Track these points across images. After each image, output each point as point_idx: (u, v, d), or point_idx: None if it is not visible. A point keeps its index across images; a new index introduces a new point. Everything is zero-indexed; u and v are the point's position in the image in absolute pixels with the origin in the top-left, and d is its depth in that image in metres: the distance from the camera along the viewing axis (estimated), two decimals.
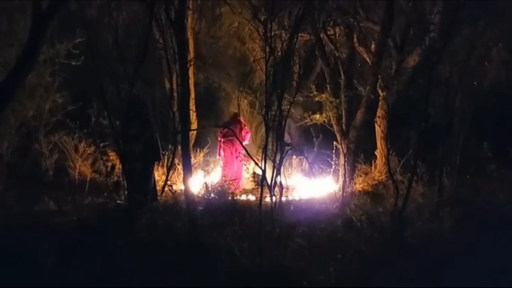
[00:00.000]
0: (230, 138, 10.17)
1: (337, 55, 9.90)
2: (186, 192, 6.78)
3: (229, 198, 8.50)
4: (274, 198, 6.51)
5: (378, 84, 9.75)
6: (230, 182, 9.39)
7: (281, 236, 6.26)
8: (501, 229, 6.63)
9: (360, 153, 10.56)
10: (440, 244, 6.29)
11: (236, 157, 10.29)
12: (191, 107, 7.83)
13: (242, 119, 10.73)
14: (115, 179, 6.15)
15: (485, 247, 6.15)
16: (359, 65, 10.91)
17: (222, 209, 7.77)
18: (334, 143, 10.04)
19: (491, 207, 7.92)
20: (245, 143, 9.99)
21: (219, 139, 10.48)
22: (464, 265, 5.71)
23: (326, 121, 10.40)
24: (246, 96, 11.85)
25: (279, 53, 6.94)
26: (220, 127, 9.85)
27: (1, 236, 6.45)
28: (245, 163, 10.17)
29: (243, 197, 9.57)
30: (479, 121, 9.61)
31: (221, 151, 10.52)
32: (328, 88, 9.93)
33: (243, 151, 9.96)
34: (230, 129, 9.61)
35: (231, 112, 11.54)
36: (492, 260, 5.81)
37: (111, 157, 6.83)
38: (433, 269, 5.64)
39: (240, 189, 10.07)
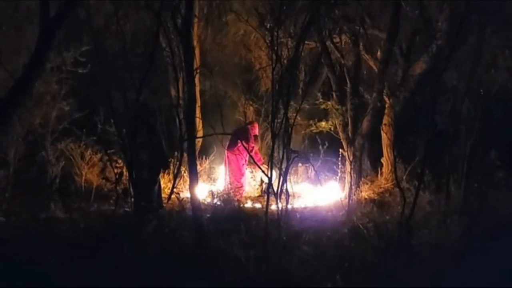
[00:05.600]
0: (237, 147, 10.13)
1: (343, 62, 9.90)
2: (193, 199, 6.78)
3: (235, 205, 8.49)
4: (280, 205, 6.51)
5: (384, 91, 9.75)
6: (236, 189, 9.39)
7: (287, 244, 6.24)
8: (509, 238, 6.57)
9: (367, 161, 10.53)
10: (447, 253, 6.24)
11: (243, 165, 10.28)
12: (197, 115, 7.85)
13: (255, 129, 10.62)
14: (122, 186, 6.16)
15: (493, 256, 6.10)
16: (365, 72, 10.91)
17: (228, 217, 7.75)
18: (340, 150, 10.03)
19: (498, 215, 7.86)
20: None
21: (226, 148, 10.43)
22: (472, 274, 5.65)
23: (332, 129, 10.40)
24: (252, 104, 11.87)
25: (285, 61, 6.95)
26: (226, 134, 9.83)
27: (8, 243, 6.46)
28: (251, 170, 10.18)
29: (249, 204, 9.56)
30: (486, 129, 9.55)
31: (227, 160, 10.48)
32: (334, 96, 9.93)
33: (250, 160, 10.00)
34: (238, 137, 9.62)
35: (236, 121, 11.53)
36: (500, 269, 5.76)
37: (118, 165, 6.84)
38: (441, 278, 5.60)
39: (246, 197, 10.07)
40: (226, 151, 10.38)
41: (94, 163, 9.56)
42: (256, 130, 10.63)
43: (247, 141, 9.94)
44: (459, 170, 8.69)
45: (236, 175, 10.24)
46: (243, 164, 10.29)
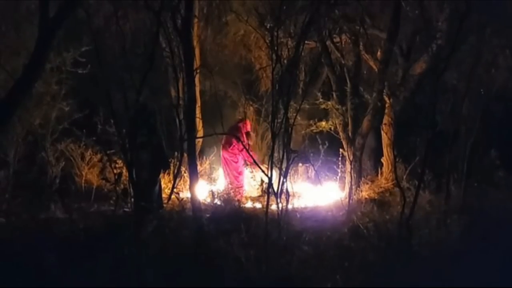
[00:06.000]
0: (232, 145, 10.15)
1: (343, 62, 9.90)
2: (193, 199, 6.78)
3: (235, 205, 8.49)
4: (280, 205, 6.50)
5: (384, 91, 9.75)
6: (236, 189, 9.38)
7: (288, 244, 6.23)
8: (509, 237, 6.58)
9: (367, 160, 10.52)
10: (447, 252, 6.24)
11: (241, 164, 10.28)
12: (197, 115, 7.86)
13: (246, 126, 10.63)
14: (122, 186, 6.15)
15: (493, 255, 6.10)
16: (365, 72, 10.91)
17: (229, 217, 7.76)
18: (341, 150, 10.02)
19: (499, 214, 7.87)
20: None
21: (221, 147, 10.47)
22: (472, 274, 5.66)
23: (332, 129, 10.40)
24: (252, 104, 11.87)
25: (285, 61, 6.94)
26: (226, 134, 9.84)
27: (8, 244, 6.47)
28: (251, 170, 10.17)
29: (249, 204, 9.56)
30: (486, 128, 9.56)
31: (223, 159, 10.51)
32: (334, 96, 9.93)
33: (246, 158, 10.00)
34: (233, 136, 9.62)
35: (236, 120, 11.53)
36: (500, 268, 5.77)
37: (118, 165, 6.84)
38: (441, 277, 5.60)
39: (246, 197, 10.06)
40: (222, 151, 10.38)
41: (94, 163, 9.56)
42: (248, 127, 10.62)
43: (239, 139, 9.94)
44: (459, 169, 8.70)
45: (234, 174, 10.23)
46: (241, 163, 10.28)
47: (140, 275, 5.30)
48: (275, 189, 6.55)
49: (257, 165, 7.48)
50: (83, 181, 9.44)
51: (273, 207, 6.96)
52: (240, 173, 10.30)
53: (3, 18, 9.05)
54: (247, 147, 9.68)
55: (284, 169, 6.64)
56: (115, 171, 6.05)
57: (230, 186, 9.68)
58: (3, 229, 7.36)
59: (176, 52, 7.10)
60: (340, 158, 10.20)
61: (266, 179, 8.05)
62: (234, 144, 10.02)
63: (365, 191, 9.80)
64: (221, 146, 10.35)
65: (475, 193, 8.82)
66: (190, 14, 7.19)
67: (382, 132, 10.38)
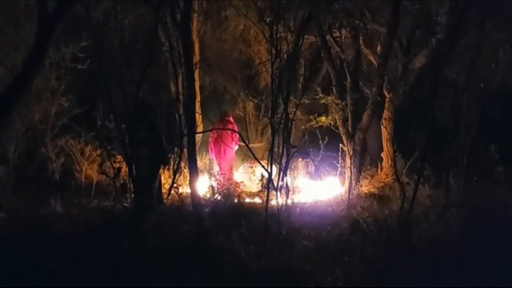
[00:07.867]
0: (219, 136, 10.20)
1: (343, 57, 9.88)
2: (193, 194, 6.79)
3: (235, 200, 8.50)
4: (280, 200, 6.50)
5: (384, 86, 9.73)
6: (236, 185, 9.39)
7: (288, 238, 6.24)
8: (508, 232, 6.58)
9: (367, 155, 10.51)
10: (447, 247, 6.25)
11: (225, 154, 10.33)
12: (196, 110, 7.85)
13: (231, 119, 10.67)
14: (121, 181, 6.16)
15: (492, 250, 6.11)
16: (365, 67, 10.90)
17: (228, 212, 7.76)
18: (340, 145, 10.02)
19: (498, 209, 7.88)
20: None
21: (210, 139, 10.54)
22: (471, 268, 5.67)
23: (332, 124, 10.39)
24: (252, 99, 11.86)
25: (285, 56, 6.93)
26: (225, 130, 9.82)
27: (8, 240, 6.48)
28: (251, 165, 10.18)
29: (249, 199, 9.56)
30: (486, 123, 9.55)
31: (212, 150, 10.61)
32: (334, 91, 9.91)
33: (233, 150, 10.06)
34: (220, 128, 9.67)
35: (235, 115, 11.52)
36: (499, 263, 5.77)
37: (117, 160, 6.84)
38: (440, 272, 5.61)
39: (246, 192, 10.06)
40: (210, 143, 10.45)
41: (94, 159, 9.56)
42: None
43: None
44: (459, 164, 8.70)
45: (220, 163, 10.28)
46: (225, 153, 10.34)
47: (140, 270, 5.31)
48: (275, 184, 6.56)
49: (256, 159, 7.48)
50: (83, 176, 9.44)
51: (273, 202, 6.97)
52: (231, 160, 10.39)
53: (2, 13, 9.03)
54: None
55: (284, 164, 6.65)
56: (114, 165, 6.05)
57: (221, 172, 9.70)
58: (3, 224, 7.37)
59: (176, 47, 7.09)
60: (340, 153, 10.19)
61: (266, 174, 8.06)
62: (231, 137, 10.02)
63: (365, 186, 9.80)
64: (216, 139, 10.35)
65: (474, 187, 8.82)
66: (189, 9, 7.18)
67: (382, 126, 10.37)
